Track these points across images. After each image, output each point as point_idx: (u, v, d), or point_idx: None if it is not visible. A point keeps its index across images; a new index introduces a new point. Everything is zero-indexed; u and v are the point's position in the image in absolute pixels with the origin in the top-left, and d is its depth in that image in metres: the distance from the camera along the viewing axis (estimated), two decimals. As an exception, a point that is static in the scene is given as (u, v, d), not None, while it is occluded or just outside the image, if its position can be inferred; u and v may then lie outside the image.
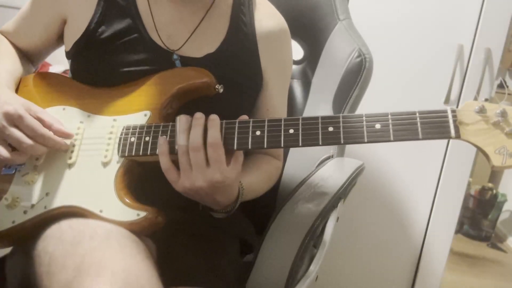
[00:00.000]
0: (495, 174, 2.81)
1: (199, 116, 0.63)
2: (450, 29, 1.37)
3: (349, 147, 0.96)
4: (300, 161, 0.95)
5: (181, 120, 0.63)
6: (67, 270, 0.51)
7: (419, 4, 1.37)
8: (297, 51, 1.12)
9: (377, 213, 1.51)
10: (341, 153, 0.93)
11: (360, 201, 1.49)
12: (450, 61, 1.37)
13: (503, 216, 2.72)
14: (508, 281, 2.18)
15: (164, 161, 0.63)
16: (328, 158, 0.90)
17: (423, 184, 1.47)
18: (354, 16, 1.05)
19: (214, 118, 0.63)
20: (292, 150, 1.00)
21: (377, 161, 1.46)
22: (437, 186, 1.46)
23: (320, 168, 0.86)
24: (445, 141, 1.43)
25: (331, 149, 0.91)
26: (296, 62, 1.13)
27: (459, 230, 2.66)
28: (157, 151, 0.64)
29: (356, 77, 0.90)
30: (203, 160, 0.61)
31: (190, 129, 0.62)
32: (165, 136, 0.65)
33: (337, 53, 0.98)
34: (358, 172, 0.85)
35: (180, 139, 0.62)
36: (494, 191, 2.69)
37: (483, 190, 2.67)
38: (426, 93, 1.41)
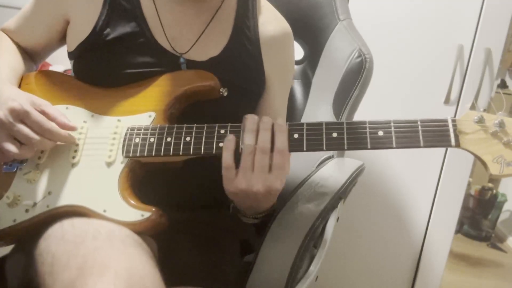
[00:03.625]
0: (495, 174, 2.81)
1: (267, 120, 0.63)
2: (450, 29, 1.37)
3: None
4: (300, 161, 0.95)
5: (249, 120, 0.63)
6: (70, 270, 0.51)
7: (419, 4, 1.38)
8: (298, 51, 1.12)
9: (377, 213, 1.51)
10: (341, 153, 0.93)
11: (360, 201, 1.49)
12: (450, 61, 1.38)
13: (503, 216, 2.72)
14: (508, 281, 2.18)
15: (227, 157, 0.62)
16: (328, 158, 0.90)
17: (423, 184, 1.47)
18: (355, 16, 1.05)
19: (282, 124, 0.63)
20: (292, 150, 1.00)
21: (377, 161, 1.46)
22: (437, 186, 1.46)
23: (320, 168, 0.86)
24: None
25: (331, 149, 0.91)
26: (296, 62, 1.13)
27: (459, 230, 2.66)
28: (224, 146, 0.63)
29: (356, 77, 0.90)
30: (267, 164, 0.60)
31: (257, 131, 0.62)
32: (233, 135, 0.64)
33: (337, 53, 0.98)
34: (358, 172, 0.85)
35: (248, 139, 0.61)
36: (494, 191, 2.69)
37: (483, 190, 2.67)
38: (426, 93, 1.41)
